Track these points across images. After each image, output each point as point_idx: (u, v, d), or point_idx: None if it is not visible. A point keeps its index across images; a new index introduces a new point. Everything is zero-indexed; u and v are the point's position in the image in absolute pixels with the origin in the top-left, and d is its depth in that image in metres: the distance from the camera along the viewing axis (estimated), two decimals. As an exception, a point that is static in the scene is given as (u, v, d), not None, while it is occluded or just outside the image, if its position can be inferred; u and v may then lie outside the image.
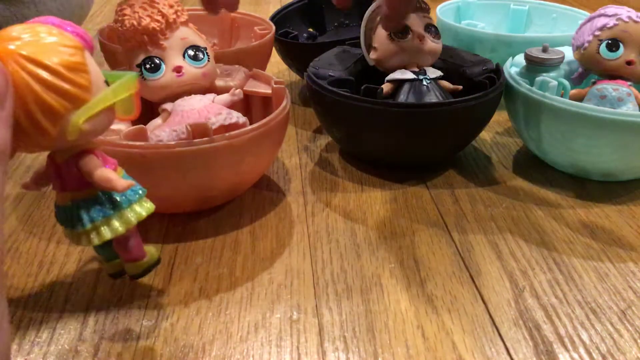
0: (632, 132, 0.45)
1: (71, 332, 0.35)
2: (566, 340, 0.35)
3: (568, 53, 0.53)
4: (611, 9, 0.49)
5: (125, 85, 0.29)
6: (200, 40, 0.46)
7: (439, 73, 0.52)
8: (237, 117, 0.44)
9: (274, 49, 0.65)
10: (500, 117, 0.61)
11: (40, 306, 0.37)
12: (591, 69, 0.51)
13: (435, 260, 0.41)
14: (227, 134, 0.40)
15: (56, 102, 0.26)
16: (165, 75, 0.44)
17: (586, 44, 0.49)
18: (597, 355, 0.33)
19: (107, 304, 0.37)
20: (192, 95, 0.45)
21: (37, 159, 0.54)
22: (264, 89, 0.49)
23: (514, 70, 0.53)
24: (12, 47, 0.25)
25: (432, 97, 0.50)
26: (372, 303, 0.37)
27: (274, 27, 0.62)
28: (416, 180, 0.51)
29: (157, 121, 0.44)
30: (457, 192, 0.50)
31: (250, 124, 0.44)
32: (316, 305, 0.37)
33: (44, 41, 0.26)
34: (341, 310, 0.36)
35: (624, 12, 0.48)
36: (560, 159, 0.51)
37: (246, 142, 0.41)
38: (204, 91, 0.46)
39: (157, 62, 0.44)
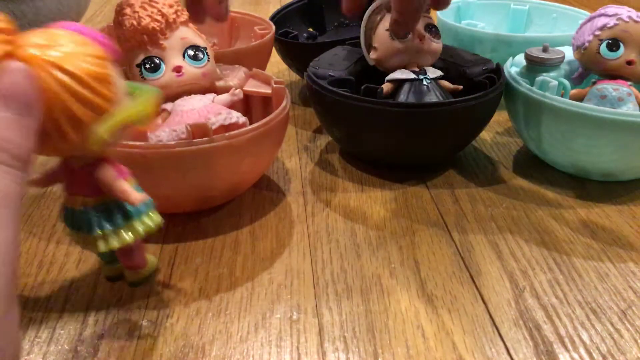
0: (632, 132, 0.45)
1: (71, 332, 0.35)
2: (566, 340, 0.34)
3: (568, 53, 0.53)
4: (611, 9, 0.49)
5: (147, 100, 0.29)
6: (200, 40, 0.46)
7: (439, 73, 0.52)
8: (237, 117, 0.44)
9: (273, 48, 0.65)
10: (500, 117, 0.61)
11: (39, 306, 0.37)
12: (591, 69, 0.51)
13: (436, 260, 0.41)
14: (227, 134, 0.40)
15: (82, 111, 0.26)
16: (165, 75, 0.44)
17: (586, 44, 0.49)
18: (598, 356, 0.33)
19: (107, 304, 0.37)
20: (192, 95, 0.45)
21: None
22: (264, 89, 0.49)
23: (514, 70, 0.53)
24: (39, 53, 0.25)
25: (432, 97, 0.49)
26: (372, 303, 0.37)
27: (273, 27, 0.62)
28: (416, 180, 0.51)
29: (157, 121, 0.44)
30: (457, 192, 0.50)
31: (250, 124, 0.44)
32: (316, 305, 0.37)
33: (72, 50, 0.26)
34: (341, 310, 0.36)
35: (625, 11, 0.48)
36: (561, 159, 0.51)
37: (246, 142, 0.41)
38: (203, 91, 0.46)
39: (157, 62, 0.44)
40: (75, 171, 0.30)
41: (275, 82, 0.47)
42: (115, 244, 0.30)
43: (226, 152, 0.40)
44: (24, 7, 0.51)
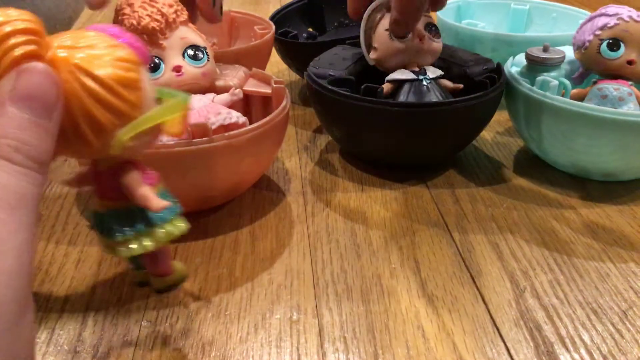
0: (633, 132, 0.45)
1: (70, 332, 0.35)
2: (567, 340, 0.34)
3: (569, 53, 0.53)
4: (612, 9, 0.49)
5: (175, 107, 0.28)
6: (199, 40, 0.45)
7: (439, 72, 0.51)
8: (236, 117, 0.43)
9: (273, 48, 0.65)
10: (500, 117, 0.61)
11: (39, 306, 0.36)
12: (592, 69, 0.51)
13: (436, 260, 0.41)
14: (226, 134, 0.40)
15: (104, 117, 0.25)
16: (164, 75, 0.44)
17: (587, 44, 0.49)
18: (598, 356, 0.33)
19: (107, 305, 0.37)
20: (192, 95, 0.45)
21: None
22: (263, 89, 0.48)
23: (514, 70, 0.53)
24: (67, 55, 0.24)
25: (432, 97, 0.49)
26: (373, 303, 0.37)
27: (273, 27, 0.62)
28: (416, 180, 0.51)
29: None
30: (457, 192, 0.50)
31: (250, 123, 0.44)
32: (316, 306, 0.37)
33: (100, 53, 0.25)
34: (341, 311, 0.36)
35: (625, 11, 0.48)
36: (561, 159, 0.51)
37: (246, 142, 0.41)
38: (203, 91, 0.46)
39: (157, 61, 0.44)
40: (101, 174, 0.29)
41: (275, 82, 0.47)
42: (136, 250, 0.30)
43: (226, 152, 0.40)
44: (22, 5, 0.51)
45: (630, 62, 0.48)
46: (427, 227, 0.45)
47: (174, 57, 0.44)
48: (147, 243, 0.30)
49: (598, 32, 0.49)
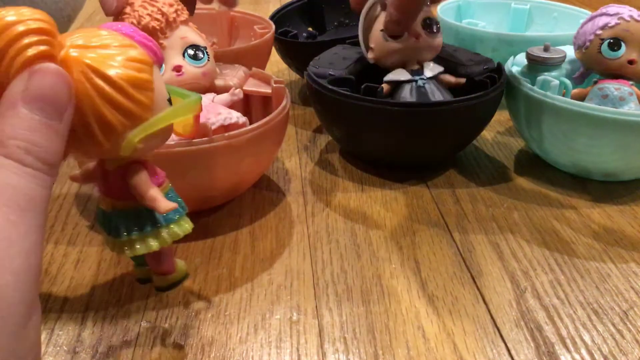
0: (633, 131, 0.44)
1: (69, 332, 0.34)
2: (568, 341, 0.34)
3: (569, 52, 0.53)
4: (613, 8, 0.49)
5: (187, 108, 0.28)
6: (200, 40, 0.45)
7: (438, 69, 0.51)
8: (236, 117, 0.43)
9: (273, 48, 0.65)
10: (501, 117, 0.61)
11: (38, 307, 0.36)
12: (593, 69, 0.51)
13: (436, 260, 0.41)
14: (226, 134, 0.40)
15: (115, 118, 0.25)
16: (164, 75, 0.44)
17: (588, 43, 0.49)
18: (599, 356, 0.33)
19: (106, 305, 0.37)
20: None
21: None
22: (263, 89, 0.48)
23: (515, 70, 0.53)
24: (79, 55, 0.24)
25: (430, 97, 0.49)
26: (373, 304, 0.37)
27: (273, 26, 0.62)
28: (417, 180, 0.51)
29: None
30: (458, 192, 0.50)
31: (250, 123, 0.43)
32: (316, 306, 0.37)
33: (112, 52, 0.25)
34: (341, 311, 0.36)
35: (626, 11, 0.48)
36: (562, 159, 0.51)
37: (246, 143, 0.41)
38: (203, 91, 0.46)
39: (157, 61, 0.44)
40: (109, 173, 0.29)
41: (275, 82, 0.47)
42: (141, 250, 0.30)
43: (226, 152, 0.40)
44: (20, 3, 0.51)
45: (631, 62, 0.48)
46: (427, 227, 0.45)
47: (174, 57, 0.44)
48: (153, 243, 0.30)
49: (599, 32, 0.48)
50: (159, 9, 0.43)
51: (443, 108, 0.48)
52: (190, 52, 0.44)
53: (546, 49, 0.53)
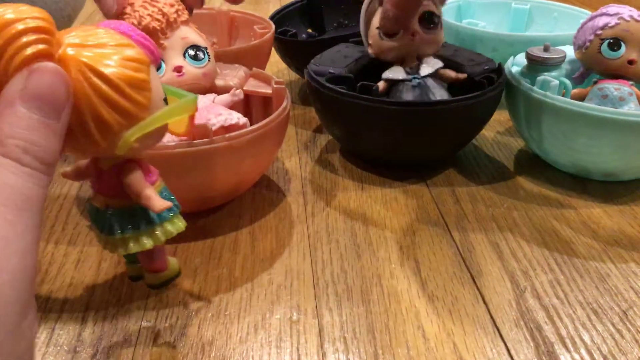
0: (633, 131, 0.44)
1: (70, 332, 0.35)
2: (567, 341, 0.34)
3: (569, 52, 0.53)
4: (613, 8, 0.49)
5: (183, 108, 0.28)
6: (200, 40, 0.45)
7: (437, 65, 0.50)
8: (237, 118, 0.43)
9: (273, 48, 0.65)
10: (501, 117, 0.61)
11: (38, 307, 0.36)
12: (593, 69, 0.51)
13: (436, 260, 0.41)
14: (227, 135, 0.40)
15: (112, 117, 0.25)
16: (165, 75, 0.44)
17: (587, 43, 0.49)
18: (599, 356, 0.33)
19: (106, 305, 0.37)
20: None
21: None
22: (264, 89, 0.48)
23: (515, 70, 0.53)
24: (76, 53, 0.24)
25: (424, 96, 0.49)
26: (373, 304, 0.37)
27: (273, 26, 0.62)
28: (417, 180, 0.51)
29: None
30: (458, 191, 0.50)
31: (251, 123, 0.43)
32: (316, 306, 0.37)
33: (110, 52, 0.25)
34: (341, 311, 0.36)
35: (626, 11, 0.48)
36: (562, 159, 0.51)
37: (246, 143, 0.41)
38: (204, 91, 0.46)
39: (157, 61, 0.44)
40: (103, 171, 0.29)
41: (276, 82, 0.47)
42: (134, 248, 0.30)
43: (226, 153, 0.40)
44: (20, 2, 0.51)
45: (631, 62, 0.48)
46: (427, 227, 0.45)
47: (174, 57, 0.44)
48: (146, 241, 0.30)
49: (599, 32, 0.48)
50: (160, 10, 0.43)
51: (439, 108, 0.48)
52: (191, 52, 0.44)
53: (546, 49, 0.53)
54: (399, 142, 0.50)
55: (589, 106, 0.45)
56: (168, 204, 0.29)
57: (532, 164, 0.54)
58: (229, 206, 0.47)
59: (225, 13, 0.67)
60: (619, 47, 0.48)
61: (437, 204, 0.48)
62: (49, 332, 0.34)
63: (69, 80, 0.24)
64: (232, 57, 0.53)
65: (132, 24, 0.43)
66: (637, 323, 0.36)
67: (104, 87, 0.25)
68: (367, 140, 0.51)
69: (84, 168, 0.31)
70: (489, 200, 0.48)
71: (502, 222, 0.45)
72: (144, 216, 0.30)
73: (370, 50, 0.51)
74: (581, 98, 0.50)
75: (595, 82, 0.50)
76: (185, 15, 0.45)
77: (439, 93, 0.50)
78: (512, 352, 0.34)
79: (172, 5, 0.44)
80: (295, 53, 0.65)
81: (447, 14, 0.69)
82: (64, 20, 0.62)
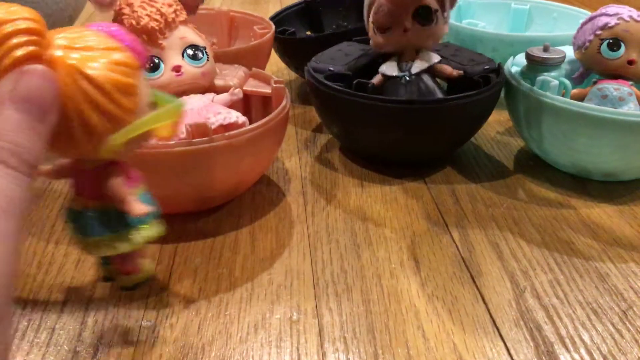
0: (633, 132, 0.45)
1: (70, 332, 0.35)
2: (567, 340, 0.34)
3: (569, 52, 0.53)
4: (612, 8, 0.49)
5: (169, 114, 0.28)
6: (199, 40, 0.45)
7: (431, 62, 0.50)
8: (236, 116, 0.43)
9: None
10: (501, 117, 0.61)
11: (39, 307, 0.36)
12: (592, 69, 0.51)
13: (436, 260, 0.41)
14: (226, 134, 0.40)
15: (98, 121, 0.25)
16: (164, 75, 0.44)
17: (587, 44, 0.49)
18: (598, 356, 0.33)
19: (106, 305, 0.37)
20: (192, 95, 0.45)
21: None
22: (263, 89, 0.48)
23: (515, 70, 0.53)
24: (65, 56, 0.24)
25: (413, 94, 0.49)
26: (373, 304, 0.37)
27: (273, 26, 0.62)
28: (417, 180, 0.51)
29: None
30: (457, 191, 0.50)
31: (250, 123, 0.44)
32: (316, 306, 0.37)
33: (99, 55, 0.25)
34: (341, 311, 0.36)
35: (625, 11, 0.48)
36: (561, 159, 0.51)
37: (245, 142, 0.41)
38: (203, 91, 0.46)
39: (156, 61, 0.44)
40: (84, 172, 0.29)
41: (275, 82, 0.47)
42: (111, 251, 0.30)
43: (226, 152, 0.40)
44: (21, 3, 0.51)
45: (630, 62, 0.48)
46: (427, 227, 0.45)
47: (173, 57, 0.44)
48: (123, 245, 0.30)
49: (598, 32, 0.48)
50: (158, 10, 0.43)
51: (433, 106, 0.48)
52: (190, 52, 0.45)
53: (546, 49, 0.53)
54: (394, 140, 0.50)
55: (589, 106, 0.45)
56: (147, 208, 0.28)
57: (532, 164, 0.54)
58: (229, 206, 0.47)
59: (225, 13, 0.67)
60: (619, 47, 0.48)
61: (437, 204, 0.48)
62: (49, 332, 0.34)
63: (57, 83, 0.24)
64: (231, 58, 0.53)
65: (131, 24, 0.43)
66: (637, 323, 0.36)
67: (92, 90, 0.25)
68: (364, 138, 0.52)
69: (65, 168, 0.31)
70: (488, 200, 0.48)
71: (502, 222, 0.45)
72: (123, 219, 0.30)
73: (371, 43, 0.52)
74: (581, 98, 0.50)
75: (595, 82, 0.50)
76: (183, 15, 0.45)
77: (432, 91, 0.50)
78: (512, 351, 0.34)
79: (170, 5, 0.44)
80: (294, 52, 0.65)
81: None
82: (65, 20, 0.62)
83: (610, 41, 0.48)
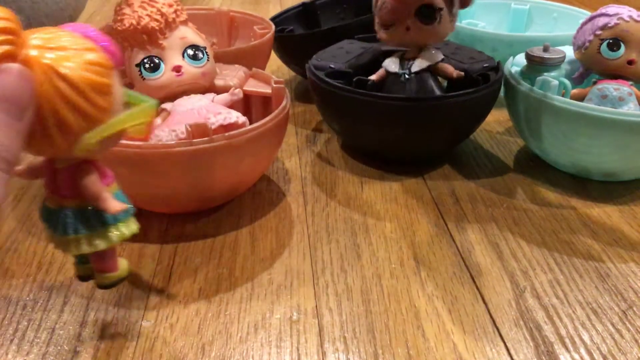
0: (633, 131, 0.45)
1: (70, 332, 0.35)
2: (567, 340, 0.34)
3: (569, 52, 0.53)
4: (612, 9, 0.49)
5: (143, 113, 0.29)
6: (199, 40, 0.45)
7: (433, 60, 0.50)
8: (236, 116, 0.43)
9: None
10: (501, 117, 0.61)
11: (39, 307, 0.36)
12: (592, 69, 0.51)
13: (436, 260, 0.41)
14: (226, 134, 0.40)
15: (74, 120, 0.25)
16: (164, 75, 0.44)
17: (587, 44, 0.49)
18: (598, 356, 0.33)
19: (106, 305, 0.37)
20: (192, 95, 0.45)
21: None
22: (263, 89, 0.48)
23: (515, 70, 0.53)
24: (40, 56, 0.24)
25: (409, 92, 0.49)
26: (372, 304, 0.37)
27: (273, 26, 0.62)
28: (417, 180, 0.51)
29: (157, 121, 0.44)
30: (458, 191, 0.50)
31: (250, 123, 0.44)
32: (316, 306, 0.37)
33: (74, 55, 0.25)
34: (341, 311, 0.36)
35: (625, 11, 0.48)
36: (562, 159, 0.51)
37: (246, 142, 0.41)
38: (203, 91, 0.46)
39: (157, 61, 0.44)
40: (58, 171, 0.30)
41: (275, 82, 0.47)
42: (87, 249, 0.30)
43: (226, 152, 0.40)
44: (21, 3, 0.50)
45: (630, 62, 0.48)
46: (427, 227, 0.45)
47: (173, 57, 0.44)
48: (99, 242, 0.30)
49: (598, 32, 0.48)
50: (159, 10, 0.43)
51: (430, 104, 0.48)
52: (190, 52, 0.45)
53: (546, 49, 0.53)
54: (393, 136, 0.50)
55: (589, 106, 0.45)
56: (123, 205, 0.29)
57: (532, 164, 0.54)
58: (229, 206, 0.47)
59: (225, 13, 0.67)
60: (619, 47, 0.48)
61: (437, 204, 0.48)
62: (49, 332, 0.35)
63: (33, 82, 0.24)
64: (232, 58, 0.53)
65: (131, 24, 0.43)
66: (637, 323, 0.36)
67: (66, 89, 0.25)
68: (364, 135, 0.52)
69: (38, 167, 0.31)
70: (488, 200, 0.48)
71: (502, 222, 0.45)
72: (98, 217, 0.30)
73: (378, 36, 0.51)
74: (581, 98, 0.50)
75: (595, 82, 0.50)
76: (184, 16, 0.45)
77: (431, 90, 0.50)
78: (512, 351, 0.34)
79: (170, 6, 0.44)
80: (293, 49, 0.65)
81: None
82: (66, 21, 0.62)
83: (610, 41, 0.48)
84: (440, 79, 0.52)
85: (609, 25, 0.48)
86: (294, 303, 0.37)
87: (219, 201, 0.46)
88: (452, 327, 0.35)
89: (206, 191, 0.43)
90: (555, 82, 0.48)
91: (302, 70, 0.57)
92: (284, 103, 0.45)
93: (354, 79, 0.50)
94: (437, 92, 0.51)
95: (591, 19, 0.50)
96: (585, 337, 0.35)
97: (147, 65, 0.44)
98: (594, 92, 0.49)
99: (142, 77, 0.44)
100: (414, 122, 0.49)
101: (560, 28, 0.70)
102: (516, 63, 0.55)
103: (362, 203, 0.48)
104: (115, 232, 0.30)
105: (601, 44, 0.48)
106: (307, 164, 0.54)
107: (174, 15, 0.44)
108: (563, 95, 0.50)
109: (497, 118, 0.61)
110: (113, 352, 0.33)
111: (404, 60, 0.51)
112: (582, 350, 0.34)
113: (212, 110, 0.43)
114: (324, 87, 0.50)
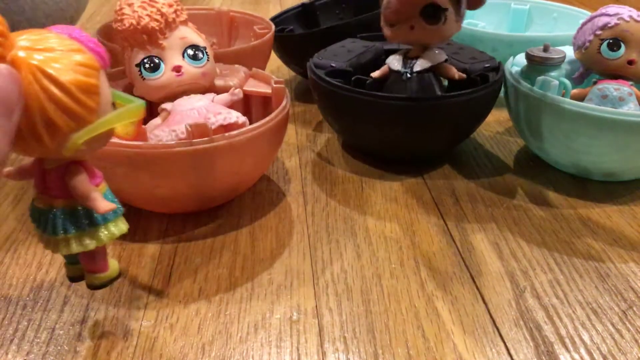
0: (633, 132, 0.45)
1: (70, 332, 0.35)
2: (567, 340, 0.34)
3: (569, 52, 0.53)
4: (612, 9, 0.49)
5: (130, 113, 0.29)
6: (199, 40, 0.45)
7: (436, 61, 0.50)
8: (236, 116, 0.43)
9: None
10: (501, 117, 0.61)
11: (39, 307, 0.36)
12: (592, 69, 0.51)
13: (436, 260, 0.41)
14: (226, 134, 0.40)
15: (62, 120, 0.25)
16: (164, 75, 0.44)
17: (587, 44, 0.49)
18: (598, 356, 0.33)
19: (106, 305, 0.37)
20: (192, 95, 0.45)
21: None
22: (263, 89, 0.48)
23: (515, 70, 0.53)
24: (28, 56, 0.25)
25: (413, 92, 0.49)
26: (373, 304, 0.37)
27: (273, 26, 0.62)
28: (417, 180, 0.51)
29: (157, 121, 0.44)
30: (458, 191, 0.50)
31: (250, 123, 0.44)
32: (316, 306, 0.37)
33: (61, 56, 0.26)
34: (341, 311, 0.36)
35: (625, 11, 0.48)
36: (562, 159, 0.51)
37: (246, 142, 0.41)
38: (203, 91, 0.46)
39: (157, 61, 0.44)
40: (47, 171, 0.30)
41: (275, 82, 0.47)
42: (77, 248, 0.30)
43: (226, 152, 0.40)
44: (22, 3, 0.50)
45: (630, 62, 0.48)
46: (427, 226, 0.45)
47: (173, 57, 0.44)
48: (88, 242, 0.30)
49: (598, 32, 0.48)
50: (159, 10, 0.43)
51: (430, 103, 0.48)
52: (190, 52, 0.45)
53: (546, 49, 0.53)
54: (393, 136, 0.50)
55: (589, 106, 0.45)
56: (112, 205, 0.29)
57: (532, 164, 0.54)
58: (229, 206, 0.47)
59: (225, 13, 0.67)
60: (619, 47, 0.48)
61: (437, 204, 0.48)
62: (49, 332, 0.35)
63: (21, 82, 0.24)
64: (232, 58, 0.54)
65: (131, 24, 0.43)
66: (637, 323, 0.36)
67: (55, 90, 0.25)
68: (364, 134, 0.52)
69: (28, 168, 0.31)
70: (488, 200, 0.48)
71: (502, 222, 0.45)
72: (88, 217, 0.30)
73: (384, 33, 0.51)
74: (581, 98, 0.50)
75: (595, 82, 0.50)
76: (184, 16, 0.45)
77: (431, 90, 0.50)
78: (512, 351, 0.34)
79: (170, 6, 0.44)
80: (293, 49, 0.65)
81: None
82: (67, 21, 0.62)
83: (610, 41, 0.48)
84: (442, 78, 0.52)
85: (609, 25, 0.48)
86: (294, 303, 0.37)
87: (219, 201, 0.46)
88: (452, 327, 0.35)
89: (206, 191, 0.43)
90: (556, 82, 0.48)
91: (302, 70, 0.57)
92: (284, 103, 0.45)
93: (353, 78, 0.50)
94: (438, 92, 0.51)
95: (591, 19, 0.50)
96: (585, 337, 0.35)
97: (147, 65, 0.44)
98: (594, 92, 0.49)
99: (142, 77, 0.44)
100: (414, 121, 0.49)
101: (560, 28, 0.70)
102: (516, 63, 0.55)
103: (362, 203, 0.48)
104: (104, 232, 0.30)
105: (601, 44, 0.48)
106: (307, 164, 0.54)
107: (174, 15, 0.44)
108: (563, 95, 0.50)
109: (497, 118, 0.62)
110: (113, 352, 0.33)
111: (407, 58, 0.51)
112: (582, 350, 0.34)
113: (212, 110, 0.43)
114: (324, 86, 0.50)
